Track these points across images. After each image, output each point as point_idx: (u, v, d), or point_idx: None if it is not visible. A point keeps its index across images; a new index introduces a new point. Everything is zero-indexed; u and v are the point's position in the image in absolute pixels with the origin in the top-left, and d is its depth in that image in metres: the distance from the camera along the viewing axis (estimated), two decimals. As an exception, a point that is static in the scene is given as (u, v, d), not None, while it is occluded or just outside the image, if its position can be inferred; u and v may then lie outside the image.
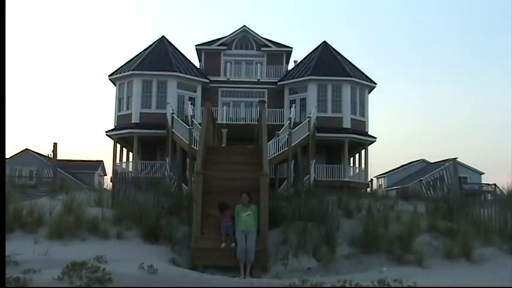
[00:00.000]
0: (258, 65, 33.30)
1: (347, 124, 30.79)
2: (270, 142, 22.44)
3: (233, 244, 11.37)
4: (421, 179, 35.29)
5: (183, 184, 23.31)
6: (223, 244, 11.50)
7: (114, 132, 31.09)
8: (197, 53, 34.41)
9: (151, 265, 9.32)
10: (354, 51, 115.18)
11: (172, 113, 27.29)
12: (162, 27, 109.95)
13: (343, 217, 13.66)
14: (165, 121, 28.65)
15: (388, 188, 46.46)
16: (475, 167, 53.10)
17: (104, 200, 14.63)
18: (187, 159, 25.11)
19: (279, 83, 32.45)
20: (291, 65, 34.21)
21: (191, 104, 29.47)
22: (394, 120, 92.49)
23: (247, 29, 33.99)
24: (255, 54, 33.93)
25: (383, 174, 58.16)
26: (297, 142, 25.39)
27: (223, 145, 25.85)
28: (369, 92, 32.79)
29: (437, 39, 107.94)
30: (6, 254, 9.13)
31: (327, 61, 32.37)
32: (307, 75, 31.21)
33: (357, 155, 33.22)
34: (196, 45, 33.93)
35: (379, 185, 55.67)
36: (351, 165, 33.20)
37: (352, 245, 12.14)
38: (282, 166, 26.92)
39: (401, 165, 59.03)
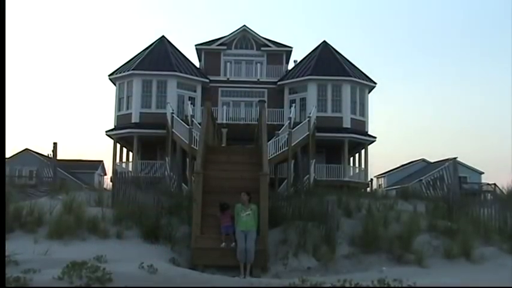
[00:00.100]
0: (258, 64, 33.28)
1: (347, 124, 30.78)
2: (270, 142, 22.45)
3: (233, 244, 11.38)
4: (421, 178, 35.33)
5: (183, 184, 23.25)
6: (223, 244, 11.51)
7: (114, 132, 31.09)
8: (197, 53, 34.41)
9: (151, 265, 9.34)
10: (354, 51, 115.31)
11: (172, 113, 27.31)
12: (162, 27, 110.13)
13: (343, 217, 13.66)
14: (165, 121, 28.67)
15: (388, 188, 46.48)
16: (475, 167, 53.18)
17: (104, 200, 14.63)
18: (187, 159, 25.14)
19: (278, 83, 32.45)
20: (291, 65, 34.18)
21: (191, 103, 29.52)
22: (394, 120, 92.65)
23: (247, 29, 33.96)
24: (255, 54, 33.91)
25: (383, 174, 58.19)
26: (296, 142, 25.41)
27: (223, 145, 25.84)
28: (369, 92, 32.77)
29: (437, 39, 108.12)
30: (6, 253, 9.14)
31: (326, 61, 32.34)
32: (307, 75, 31.19)
33: (357, 155, 33.24)
34: (196, 45, 33.93)
35: (379, 185, 55.77)
36: (351, 165, 33.21)
37: (352, 244, 12.15)
38: (282, 166, 26.95)
39: (401, 165, 59.08)
